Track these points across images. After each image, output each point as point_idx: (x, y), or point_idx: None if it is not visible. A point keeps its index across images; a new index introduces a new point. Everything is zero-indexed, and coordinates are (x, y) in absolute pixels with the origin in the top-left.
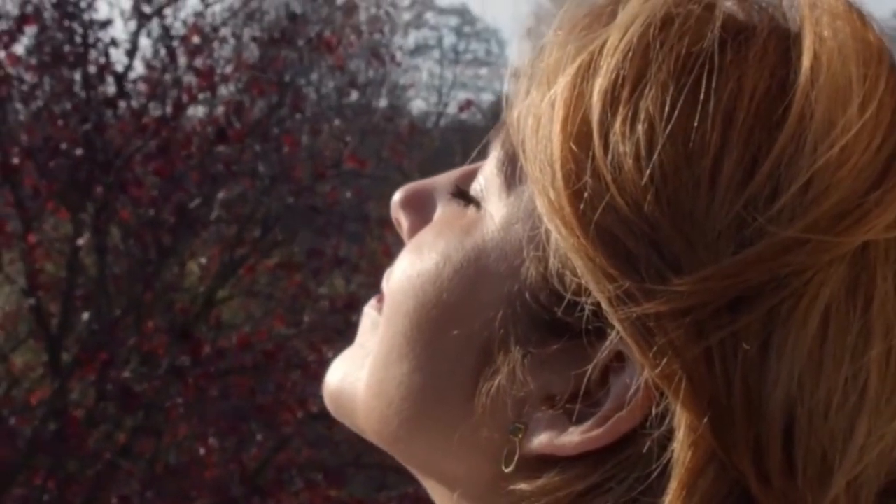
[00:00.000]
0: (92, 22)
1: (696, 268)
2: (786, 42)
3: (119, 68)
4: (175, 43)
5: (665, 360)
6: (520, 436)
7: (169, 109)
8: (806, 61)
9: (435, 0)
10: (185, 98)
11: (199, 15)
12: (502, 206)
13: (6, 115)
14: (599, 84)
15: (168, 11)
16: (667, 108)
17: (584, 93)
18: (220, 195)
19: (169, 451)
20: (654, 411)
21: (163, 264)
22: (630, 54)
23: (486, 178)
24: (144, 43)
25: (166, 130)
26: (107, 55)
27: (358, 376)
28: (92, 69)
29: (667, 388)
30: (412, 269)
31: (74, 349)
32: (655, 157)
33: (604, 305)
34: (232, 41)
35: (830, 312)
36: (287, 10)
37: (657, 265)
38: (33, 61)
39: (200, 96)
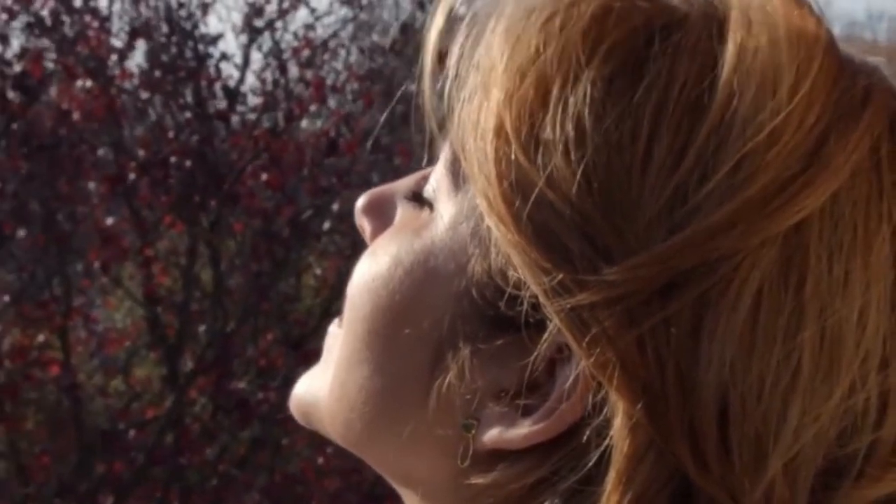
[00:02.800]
0: (203, 36)
1: (627, 256)
2: (717, 28)
3: (230, 82)
4: (286, 55)
5: (599, 349)
6: (473, 431)
7: (280, 122)
8: (731, 46)
9: None
10: (296, 110)
11: (309, 27)
12: (451, 206)
13: (121, 130)
14: (531, 79)
15: (279, 24)
16: (597, 100)
17: (517, 87)
18: (334, 207)
19: (288, 462)
20: (591, 401)
21: (278, 276)
22: (562, 47)
23: (437, 178)
24: (255, 56)
25: (278, 143)
26: (218, 69)
27: (322, 384)
28: (203, 83)
29: (601, 377)
30: (367, 274)
31: (191, 362)
32: (585, 149)
33: (540, 298)
34: (342, 53)
35: (762, 295)
36: (398, 21)
37: (589, 255)
38: (145, 76)
39: (311, 108)
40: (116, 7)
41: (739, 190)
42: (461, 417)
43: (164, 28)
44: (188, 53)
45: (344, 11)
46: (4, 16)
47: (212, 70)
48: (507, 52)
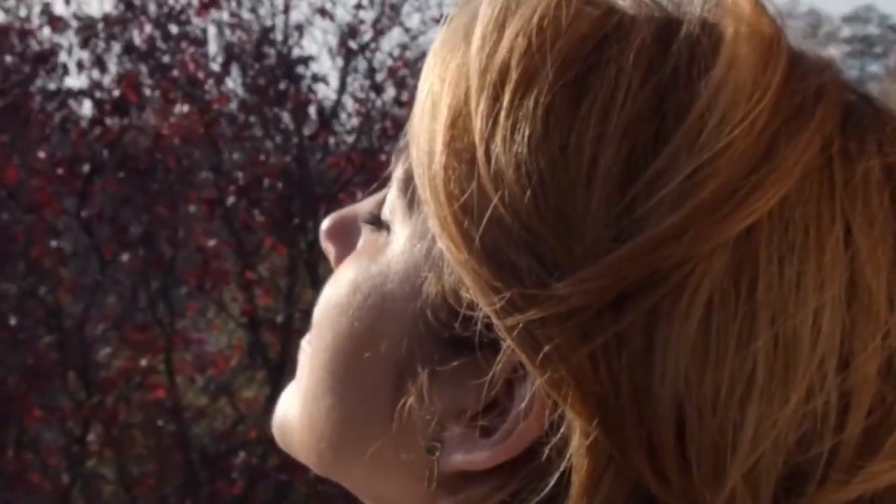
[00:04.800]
0: (298, 59)
1: (575, 270)
2: (667, 34)
3: (326, 103)
4: (381, 76)
5: (552, 367)
6: (437, 454)
7: (376, 142)
8: (682, 52)
9: None
10: (391, 130)
11: (404, 47)
12: (405, 228)
13: (219, 153)
14: (477, 97)
15: (374, 45)
16: (545, 113)
17: (464, 106)
18: None
19: None
20: (548, 420)
21: None
22: (511, 60)
23: (392, 199)
24: (351, 76)
25: (374, 163)
26: (311, 90)
27: (293, 413)
28: (299, 105)
29: (556, 395)
30: (329, 301)
31: None
32: (532, 165)
33: (492, 318)
34: None
35: (713, 303)
36: None
37: (537, 272)
38: (241, 100)
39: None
40: (212, 31)
41: (689, 196)
42: (423, 441)
43: (260, 51)
44: (283, 76)
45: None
46: (102, 43)
47: (306, 91)
48: (454, 70)
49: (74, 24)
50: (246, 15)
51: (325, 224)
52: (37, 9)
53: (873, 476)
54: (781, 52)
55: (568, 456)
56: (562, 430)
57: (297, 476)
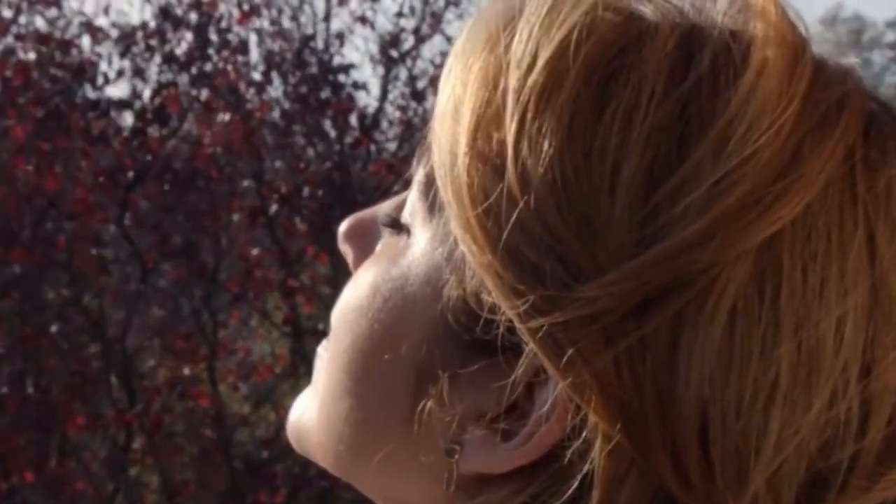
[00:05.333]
0: (339, 67)
1: (599, 274)
2: (691, 41)
3: (368, 111)
4: (422, 84)
5: (575, 371)
6: (456, 457)
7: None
8: (706, 59)
9: None
10: None
11: (445, 55)
12: (427, 231)
13: (261, 162)
14: (502, 102)
15: (415, 53)
16: (570, 118)
17: (488, 110)
18: None
19: None
20: (571, 423)
21: None
22: (536, 64)
23: (413, 202)
24: (392, 85)
25: None
26: (351, 98)
27: (311, 415)
28: (340, 113)
29: (579, 399)
30: (348, 304)
31: None
32: (556, 170)
33: (514, 321)
34: None
35: (737, 309)
36: None
37: (561, 276)
38: (283, 108)
39: None
40: (253, 40)
41: (716, 202)
42: (443, 443)
43: (301, 59)
44: (324, 84)
45: None
46: (142, 52)
47: (347, 99)
48: (477, 74)
49: (114, 33)
50: (287, 23)
51: (343, 227)
52: (77, 19)
53: (895, 483)
54: (807, 61)
55: (590, 459)
56: (584, 434)
57: (339, 483)
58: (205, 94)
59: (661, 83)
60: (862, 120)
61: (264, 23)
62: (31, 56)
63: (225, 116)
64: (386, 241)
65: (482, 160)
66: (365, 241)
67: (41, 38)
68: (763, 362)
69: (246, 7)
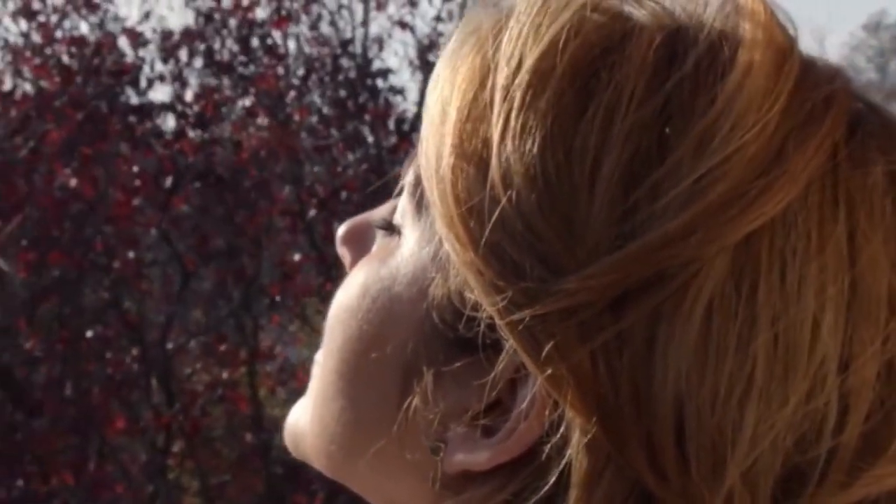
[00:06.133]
0: (378, 71)
1: (578, 268)
2: (675, 40)
3: (406, 115)
4: None
5: (553, 365)
6: (441, 454)
7: None
8: (691, 58)
9: None
10: None
11: None
12: (414, 231)
13: (301, 166)
14: (486, 100)
15: None
16: (553, 117)
17: (472, 109)
18: None
19: None
20: (549, 419)
21: None
22: (522, 65)
23: (403, 203)
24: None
25: None
26: (388, 103)
27: (305, 419)
28: (378, 117)
29: (556, 394)
30: (339, 305)
31: None
32: (540, 166)
33: (494, 317)
34: None
35: (714, 305)
36: None
37: (539, 271)
38: (321, 113)
39: None
40: (292, 45)
41: (698, 197)
42: (428, 441)
43: (339, 64)
44: (363, 89)
45: None
46: (184, 58)
47: (385, 104)
48: (464, 76)
49: (155, 38)
50: (325, 28)
51: (341, 230)
52: (117, 24)
53: (877, 479)
54: (795, 61)
55: (567, 454)
56: (562, 430)
57: None
58: (246, 98)
59: (643, 82)
60: (848, 119)
61: (303, 28)
62: (74, 61)
63: (264, 121)
64: (379, 242)
65: (466, 159)
66: (361, 244)
67: (84, 43)
68: (739, 358)
69: (284, 12)
